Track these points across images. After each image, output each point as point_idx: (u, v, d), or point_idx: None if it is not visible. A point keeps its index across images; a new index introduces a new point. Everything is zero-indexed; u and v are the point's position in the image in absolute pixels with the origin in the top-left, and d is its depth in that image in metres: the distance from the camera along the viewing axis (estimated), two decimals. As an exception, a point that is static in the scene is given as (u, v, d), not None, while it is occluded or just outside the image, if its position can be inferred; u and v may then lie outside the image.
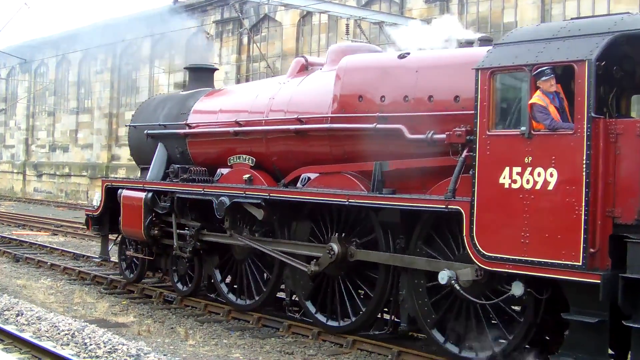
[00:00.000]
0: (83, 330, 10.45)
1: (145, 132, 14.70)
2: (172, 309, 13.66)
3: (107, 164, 45.30)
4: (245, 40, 37.98)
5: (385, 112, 10.44)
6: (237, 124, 12.71)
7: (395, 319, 10.91)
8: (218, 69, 18.30)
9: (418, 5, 30.25)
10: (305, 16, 34.85)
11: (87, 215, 15.40)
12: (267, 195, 11.62)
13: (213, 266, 13.28)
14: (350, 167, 11.04)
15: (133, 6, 66.71)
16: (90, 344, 9.80)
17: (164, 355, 9.71)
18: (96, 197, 15.16)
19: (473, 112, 9.03)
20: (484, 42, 10.64)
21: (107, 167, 44.95)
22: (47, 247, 21.40)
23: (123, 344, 9.71)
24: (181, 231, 13.37)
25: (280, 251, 11.70)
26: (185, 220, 13.37)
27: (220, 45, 38.91)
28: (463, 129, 9.39)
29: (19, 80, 55.27)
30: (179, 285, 14.01)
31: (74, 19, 79.59)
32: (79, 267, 17.89)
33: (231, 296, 13.00)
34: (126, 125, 16.17)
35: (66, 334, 10.37)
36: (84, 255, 19.50)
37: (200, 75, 15.17)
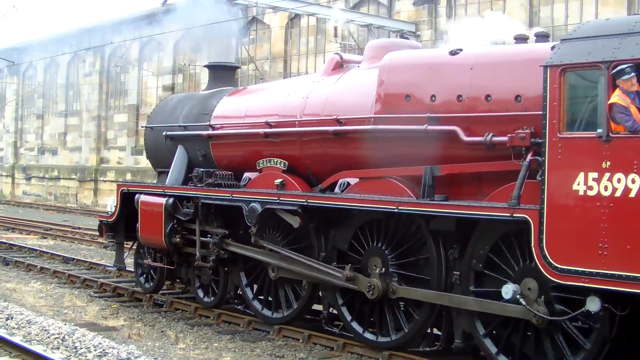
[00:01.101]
0: (73, 334, 10.38)
1: (164, 133, 13.85)
2: (163, 312, 13.42)
3: (96, 167, 44.63)
4: (233, 42, 37.46)
5: (436, 113, 9.73)
6: (268, 125, 11.90)
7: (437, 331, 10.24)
8: (240, 67, 17.52)
9: (406, 7, 29.90)
10: (294, 19, 34.55)
11: (100, 221, 14.47)
12: (304, 202, 10.83)
13: (240, 276, 12.49)
14: (395, 171, 10.27)
15: (121, 8, 66.11)
16: (81, 348, 9.74)
17: (155, 358, 9.70)
18: (110, 203, 14.28)
19: (537, 112, 8.42)
20: (541, 37, 10.00)
21: (96, 170, 44.35)
22: (36, 250, 21.26)
23: (113, 348, 9.68)
24: (203, 239, 12.54)
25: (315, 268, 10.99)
26: (210, 227, 12.56)
27: (209, 47, 38.30)
28: (527, 130, 8.73)
29: (7, 83, 54.51)
30: (202, 296, 13.19)
31: (62, 21, 79.05)
32: (68, 270, 17.70)
33: (267, 312, 12.17)
34: (142, 127, 15.35)
35: (56, 338, 10.28)
36: (73, 259, 19.33)
37: (221, 74, 14.28)
